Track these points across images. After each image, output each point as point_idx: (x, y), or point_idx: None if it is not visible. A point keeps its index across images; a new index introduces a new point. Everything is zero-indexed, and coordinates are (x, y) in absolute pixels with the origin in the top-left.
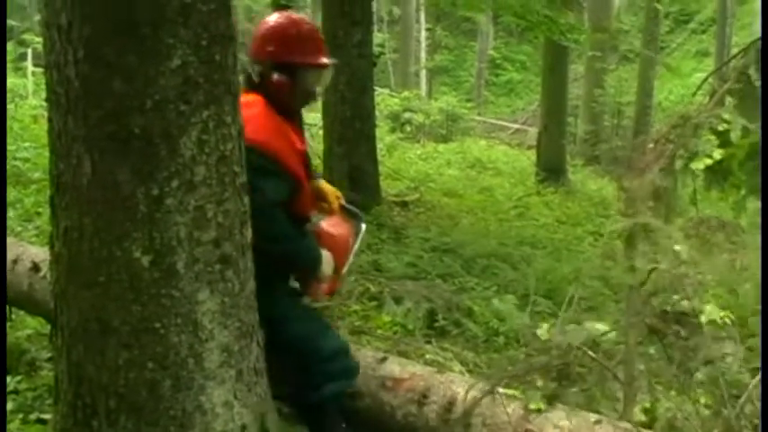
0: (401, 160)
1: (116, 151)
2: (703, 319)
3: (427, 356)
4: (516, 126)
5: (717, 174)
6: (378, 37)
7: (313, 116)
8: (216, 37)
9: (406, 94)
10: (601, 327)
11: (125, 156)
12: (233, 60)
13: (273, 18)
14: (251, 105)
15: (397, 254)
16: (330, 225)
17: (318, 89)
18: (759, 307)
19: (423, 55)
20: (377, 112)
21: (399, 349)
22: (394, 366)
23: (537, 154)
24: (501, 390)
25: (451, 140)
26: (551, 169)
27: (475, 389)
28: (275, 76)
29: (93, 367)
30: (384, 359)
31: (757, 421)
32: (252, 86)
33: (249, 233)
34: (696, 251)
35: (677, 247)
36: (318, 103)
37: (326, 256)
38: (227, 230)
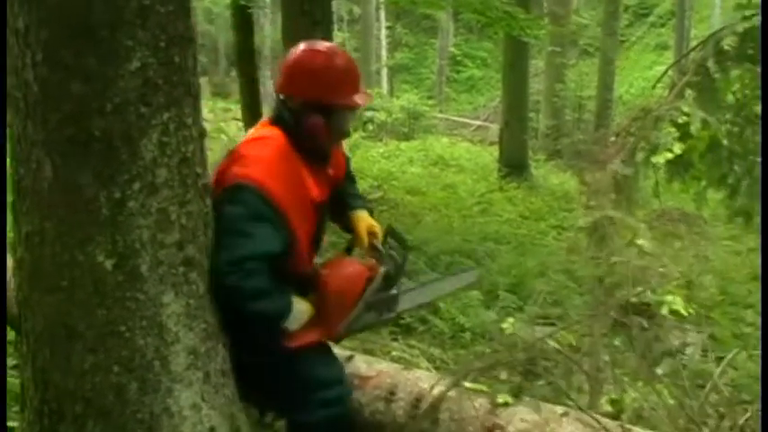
0: (364, 159)
1: (76, 155)
2: (666, 310)
3: (394, 354)
4: (478, 122)
5: (678, 166)
6: (338, 36)
7: None
8: (175, 38)
9: (367, 92)
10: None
11: (86, 159)
12: (192, 62)
13: (308, 52)
14: (267, 143)
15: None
16: (329, 271)
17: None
18: (721, 298)
19: (383, 53)
20: None
21: (366, 347)
22: (360, 364)
23: (499, 150)
24: (468, 385)
25: (414, 138)
26: (514, 165)
27: (441, 384)
28: (311, 118)
29: (58, 373)
30: (351, 357)
31: (722, 410)
32: (277, 120)
33: (212, 235)
34: (659, 243)
35: (640, 241)
36: None
37: (300, 311)
38: (190, 232)
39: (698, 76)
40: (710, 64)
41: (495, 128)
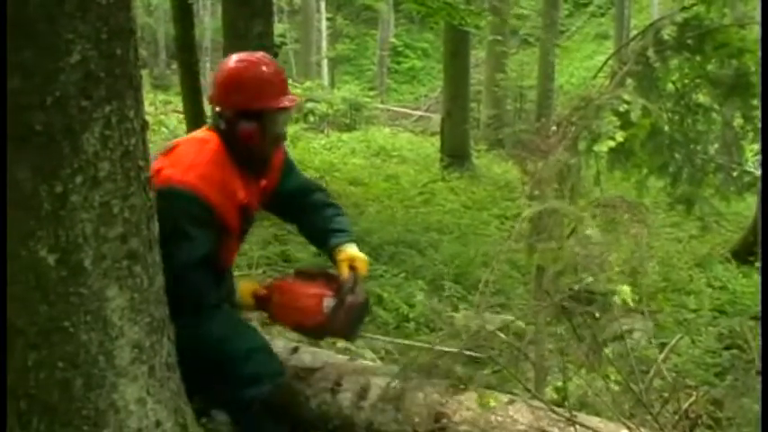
0: (305, 151)
1: (17, 149)
2: (614, 298)
3: (339, 345)
4: (420, 113)
5: (619, 154)
6: (278, 27)
7: None
8: (116, 31)
9: (308, 84)
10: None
11: (26, 153)
12: (134, 54)
13: (233, 64)
14: (203, 146)
15: (304, 244)
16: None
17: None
18: (664, 284)
19: (324, 44)
20: None
21: (311, 341)
22: (306, 356)
23: (441, 140)
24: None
25: (355, 129)
26: (455, 155)
27: (388, 375)
28: (244, 126)
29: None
30: (296, 349)
31: (666, 394)
32: (215, 129)
33: (156, 228)
34: (601, 231)
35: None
36: None
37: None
38: (133, 226)
39: (638, 65)
40: (650, 53)
41: (436, 118)
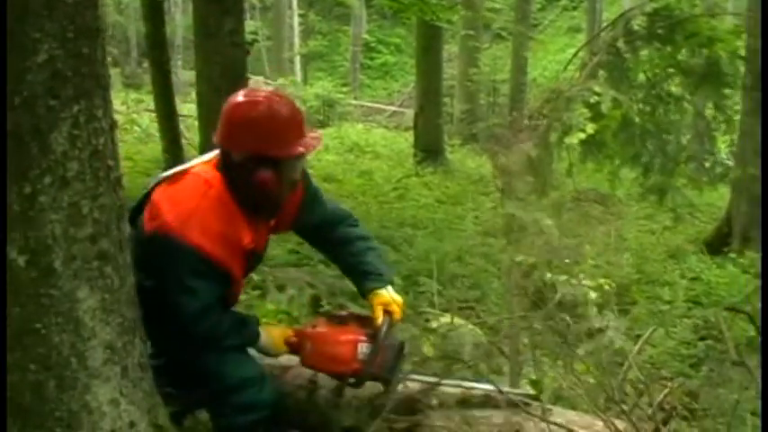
0: None
1: None
2: (584, 292)
3: None
4: (393, 108)
5: (591, 146)
6: (250, 25)
7: (188, 107)
8: (83, 30)
9: (281, 80)
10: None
11: None
12: (102, 53)
13: (245, 103)
14: (206, 193)
15: (278, 241)
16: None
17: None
18: (638, 276)
19: (296, 41)
20: None
21: None
22: None
23: (414, 135)
24: None
25: (329, 126)
26: (429, 150)
27: None
28: (260, 173)
29: None
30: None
31: (641, 386)
32: (222, 170)
33: (126, 228)
34: (575, 223)
35: (548, 221)
36: (192, 94)
37: (268, 341)
38: (103, 226)
39: (609, 56)
40: (621, 44)
41: (409, 113)
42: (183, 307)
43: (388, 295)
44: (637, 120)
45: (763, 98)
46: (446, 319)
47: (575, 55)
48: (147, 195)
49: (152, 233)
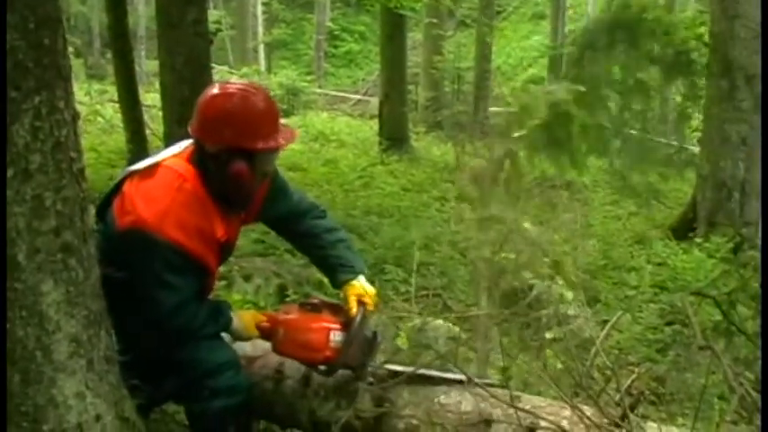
0: None
1: None
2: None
3: None
4: (358, 97)
5: (557, 138)
6: (213, 14)
7: (152, 96)
8: (44, 20)
9: (245, 70)
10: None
11: None
12: (62, 43)
13: (222, 96)
14: (180, 187)
15: (243, 231)
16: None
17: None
18: (604, 262)
19: (260, 30)
20: None
21: None
22: (246, 345)
23: (379, 123)
24: None
25: (293, 114)
26: (394, 138)
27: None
28: (234, 165)
29: None
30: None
31: (609, 373)
32: (196, 162)
33: (90, 220)
34: (542, 211)
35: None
36: (156, 84)
37: (240, 325)
38: (67, 218)
39: (575, 48)
40: (587, 35)
41: (374, 101)
42: (161, 302)
43: (361, 286)
44: (605, 110)
45: (762, 98)
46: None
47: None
48: (117, 188)
49: (127, 228)
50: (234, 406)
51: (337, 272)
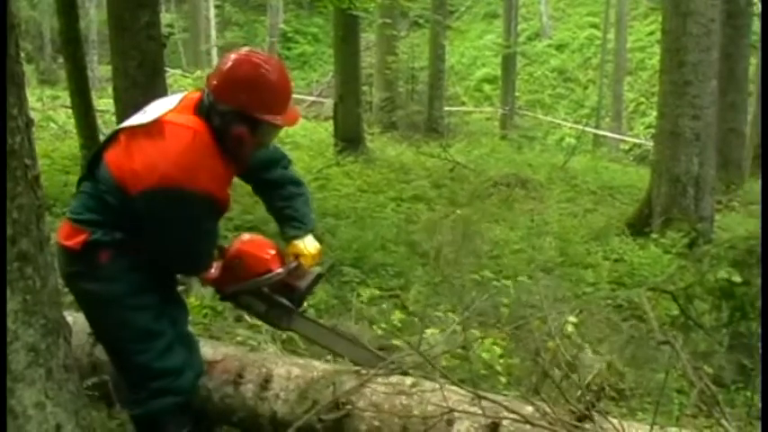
0: None
1: None
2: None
3: (239, 338)
4: (312, 98)
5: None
6: (166, 17)
7: (105, 102)
8: None
9: (198, 73)
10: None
11: None
12: (15, 50)
13: (246, 62)
14: (201, 142)
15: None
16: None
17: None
18: (562, 259)
19: (213, 33)
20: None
21: (211, 333)
22: (206, 349)
23: (334, 125)
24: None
25: None
26: (349, 139)
27: (291, 364)
28: (237, 128)
29: None
30: (196, 343)
31: (571, 359)
32: (205, 116)
33: (46, 228)
34: (498, 207)
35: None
36: (109, 89)
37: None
38: (22, 226)
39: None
40: None
41: (329, 103)
42: (200, 250)
43: (303, 246)
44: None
45: (762, 97)
46: None
47: None
48: (106, 146)
49: (153, 188)
50: (170, 407)
51: (287, 226)
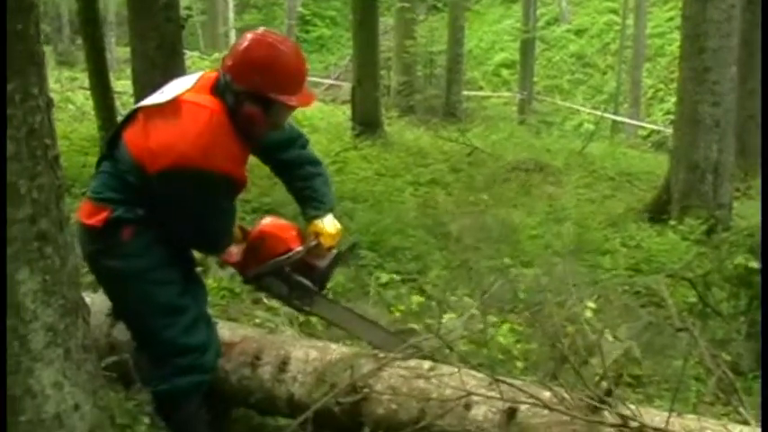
0: None
1: None
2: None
3: (257, 320)
4: (330, 82)
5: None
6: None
7: (123, 83)
8: (16, 6)
9: (216, 55)
10: None
11: None
12: (36, 30)
13: (260, 43)
14: (219, 122)
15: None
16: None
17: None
18: (578, 245)
19: (231, 15)
20: None
21: (229, 315)
22: (224, 331)
23: (352, 108)
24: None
25: None
26: (367, 123)
27: (309, 347)
28: (250, 107)
29: None
30: (214, 324)
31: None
32: (221, 96)
33: (65, 207)
34: (516, 194)
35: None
36: (127, 71)
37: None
38: (42, 206)
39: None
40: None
41: (346, 86)
42: (216, 225)
43: (322, 225)
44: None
45: (762, 96)
46: None
47: None
48: (124, 125)
49: (171, 168)
50: (195, 385)
51: (307, 206)
